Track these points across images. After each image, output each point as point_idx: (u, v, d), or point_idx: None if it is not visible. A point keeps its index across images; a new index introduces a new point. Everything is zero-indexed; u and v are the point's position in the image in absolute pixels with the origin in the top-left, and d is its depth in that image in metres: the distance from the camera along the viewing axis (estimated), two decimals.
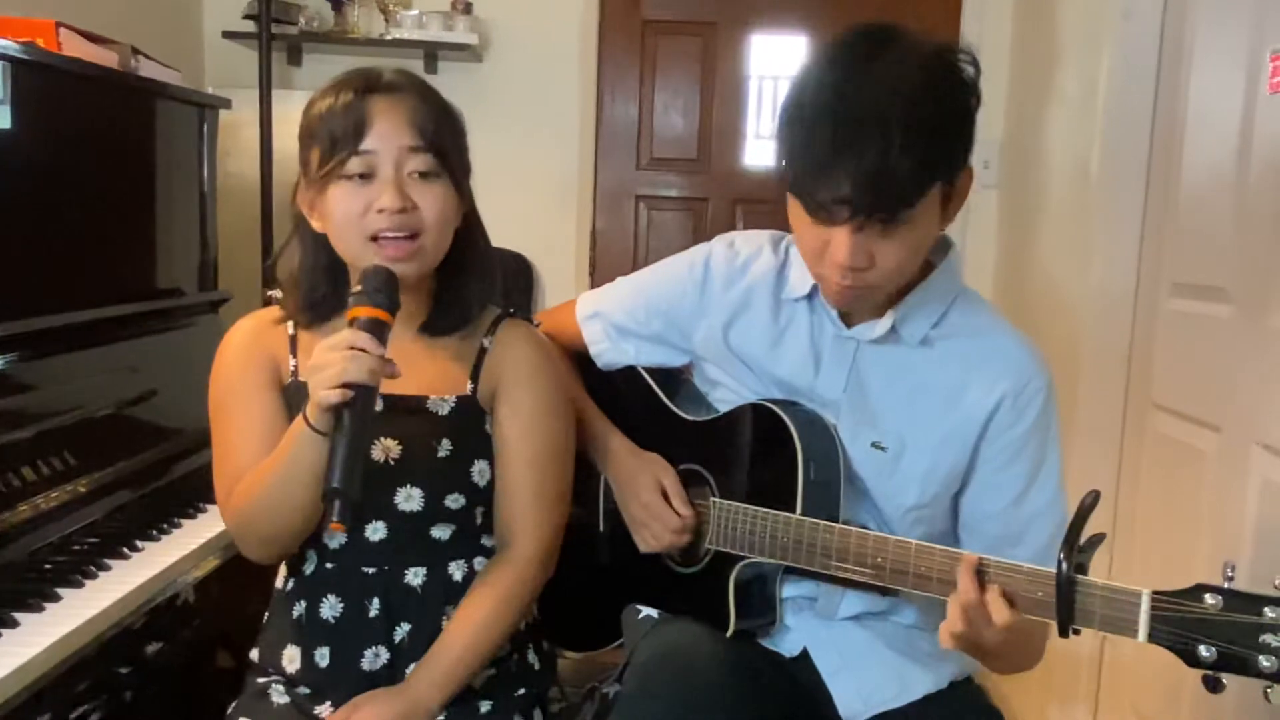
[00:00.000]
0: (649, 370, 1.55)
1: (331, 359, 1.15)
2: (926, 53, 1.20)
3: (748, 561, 1.36)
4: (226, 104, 2.32)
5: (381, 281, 1.21)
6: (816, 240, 1.23)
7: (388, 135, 1.26)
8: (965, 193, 1.26)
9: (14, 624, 1.31)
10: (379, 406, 1.23)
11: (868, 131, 1.13)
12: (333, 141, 1.26)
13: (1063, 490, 1.35)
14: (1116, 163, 2.33)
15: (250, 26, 3.02)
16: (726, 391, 1.45)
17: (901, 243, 1.21)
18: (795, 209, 1.25)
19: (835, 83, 1.18)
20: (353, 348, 1.15)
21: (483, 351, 1.38)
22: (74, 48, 1.85)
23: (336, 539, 1.34)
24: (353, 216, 1.26)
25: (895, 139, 1.13)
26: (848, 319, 1.37)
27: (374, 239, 1.27)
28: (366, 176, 1.26)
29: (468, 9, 3.20)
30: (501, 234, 3.05)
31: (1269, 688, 1.01)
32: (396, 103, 1.28)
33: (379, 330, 1.18)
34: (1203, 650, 1.03)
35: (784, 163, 1.22)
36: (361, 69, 1.32)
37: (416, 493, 1.33)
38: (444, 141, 1.30)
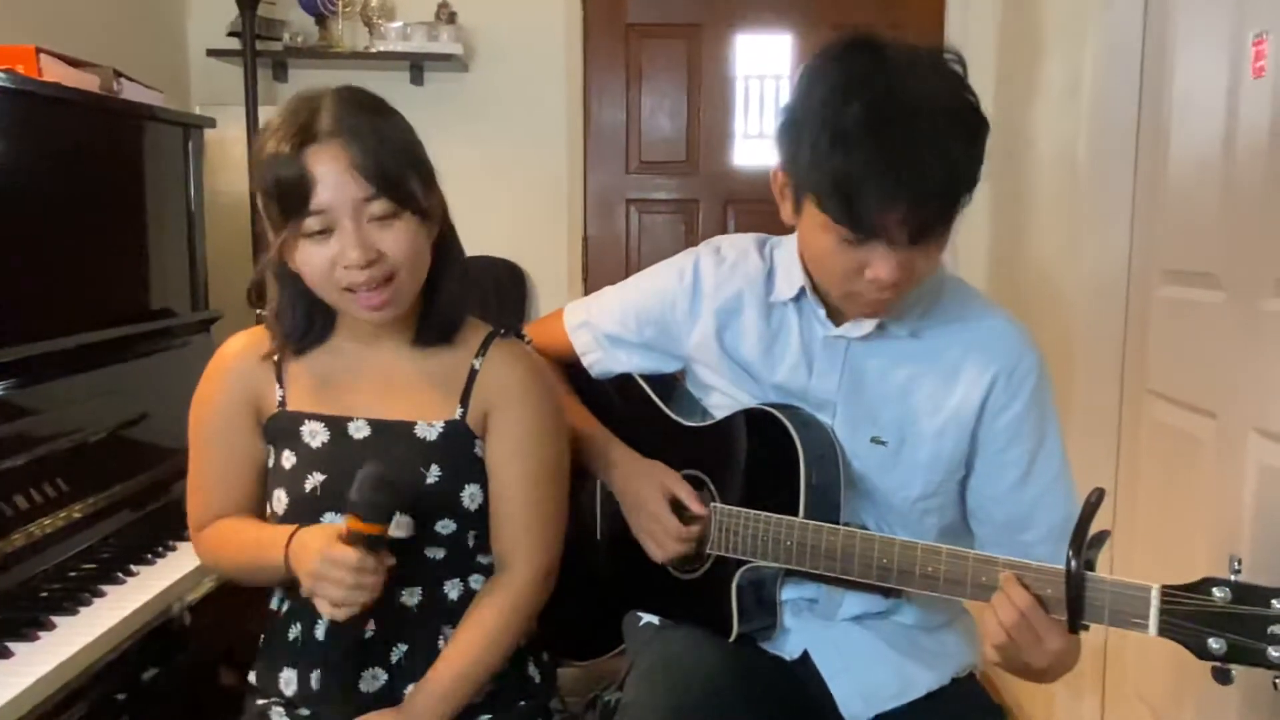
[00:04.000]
0: (644, 377, 1.54)
1: (334, 577, 1.20)
2: (928, 58, 1.21)
3: (750, 566, 1.36)
4: (211, 123, 2.32)
5: (378, 490, 1.20)
6: (851, 262, 1.23)
7: (336, 188, 1.21)
8: None
9: (8, 654, 1.31)
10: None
11: (930, 152, 1.14)
12: (283, 201, 1.22)
13: (1067, 466, 1.36)
14: (1103, 151, 2.32)
15: (235, 44, 3.02)
16: (721, 396, 1.45)
17: (938, 249, 1.23)
18: (826, 235, 1.23)
19: (870, 105, 1.15)
20: (358, 572, 1.20)
21: (473, 373, 1.36)
22: (55, 73, 1.85)
23: None
24: (323, 272, 1.24)
25: (954, 153, 1.15)
26: (836, 318, 1.37)
27: (347, 289, 1.25)
28: (326, 231, 1.23)
29: (452, 19, 3.20)
30: (493, 243, 3.11)
31: (1278, 678, 1.02)
32: (336, 152, 1.21)
33: (378, 547, 1.21)
34: (1212, 643, 1.04)
35: (825, 193, 1.19)
36: (297, 107, 1.25)
37: (405, 520, 1.30)
38: (395, 177, 1.23)
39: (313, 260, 1.24)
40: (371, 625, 1.33)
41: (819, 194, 1.20)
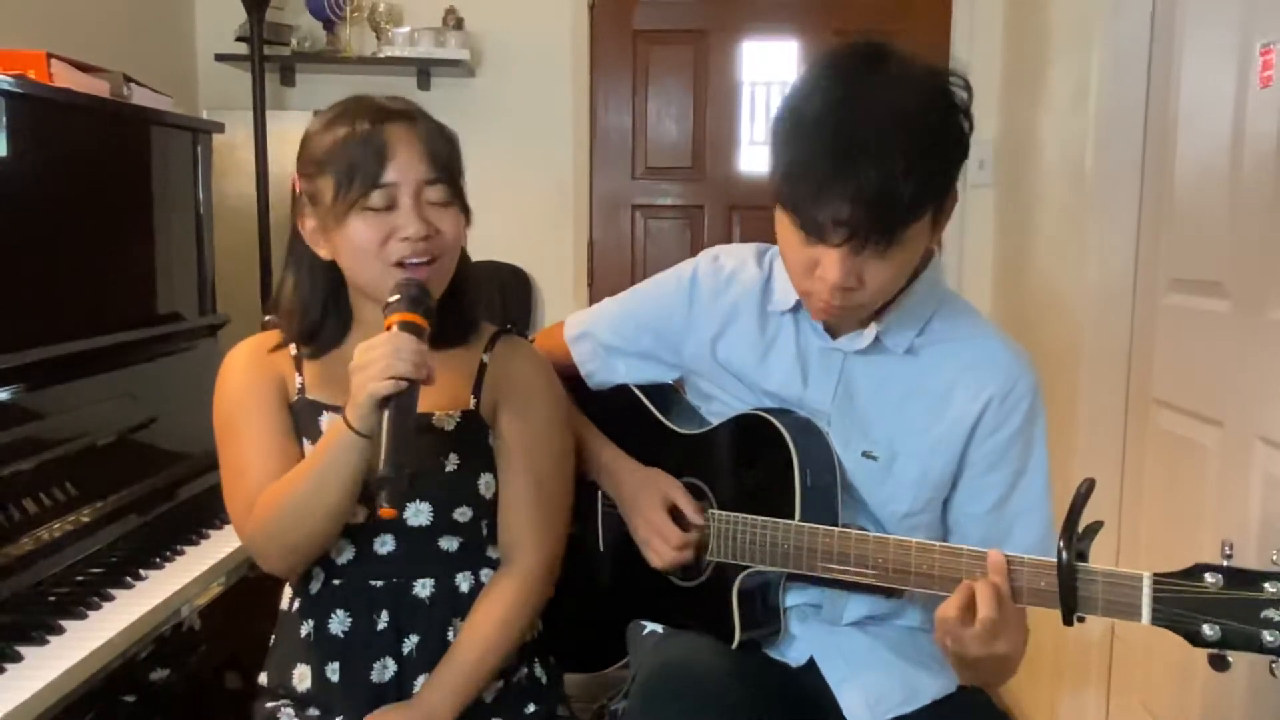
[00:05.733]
0: (641, 387, 1.55)
1: (375, 356, 1.18)
2: (922, 74, 1.21)
3: (750, 571, 1.36)
4: (220, 128, 2.33)
5: (417, 291, 1.25)
6: (805, 258, 1.24)
7: (407, 167, 1.29)
8: (951, 211, 1.28)
9: (17, 658, 1.32)
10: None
11: (870, 155, 1.14)
12: (351, 173, 1.28)
13: (1049, 493, 1.36)
14: (1110, 159, 2.32)
15: (243, 49, 3.03)
16: (719, 404, 1.46)
17: (892, 263, 1.22)
18: (785, 225, 1.25)
19: (833, 101, 1.17)
20: (393, 344, 1.18)
21: (483, 367, 1.41)
22: (65, 78, 1.86)
23: (345, 554, 1.36)
24: (375, 246, 1.28)
25: (898, 164, 1.14)
26: (833, 330, 1.38)
27: (397, 265, 1.29)
28: (385, 208, 1.28)
29: (459, 24, 3.21)
30: (499, 248, 3.11)
31: (1274, 663, 1.02)
32: (412, 134, 1.31)
33: (418, 333, 1.22)
34: (1206, 629, 1.04)
35: (778, 179, 1.22)
36: (361, 98, 1.34)
37: (425, 507, 1.35)
38: (454, 169, 1.34)
39: (365, 234, 1.29)
40: (385, 617, 1.35)
41: (774, 178, 1.23)
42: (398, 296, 1.23)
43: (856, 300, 1.25)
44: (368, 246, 1.28)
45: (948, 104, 1.21)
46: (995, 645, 1.15)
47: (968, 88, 1.22)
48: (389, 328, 1.22)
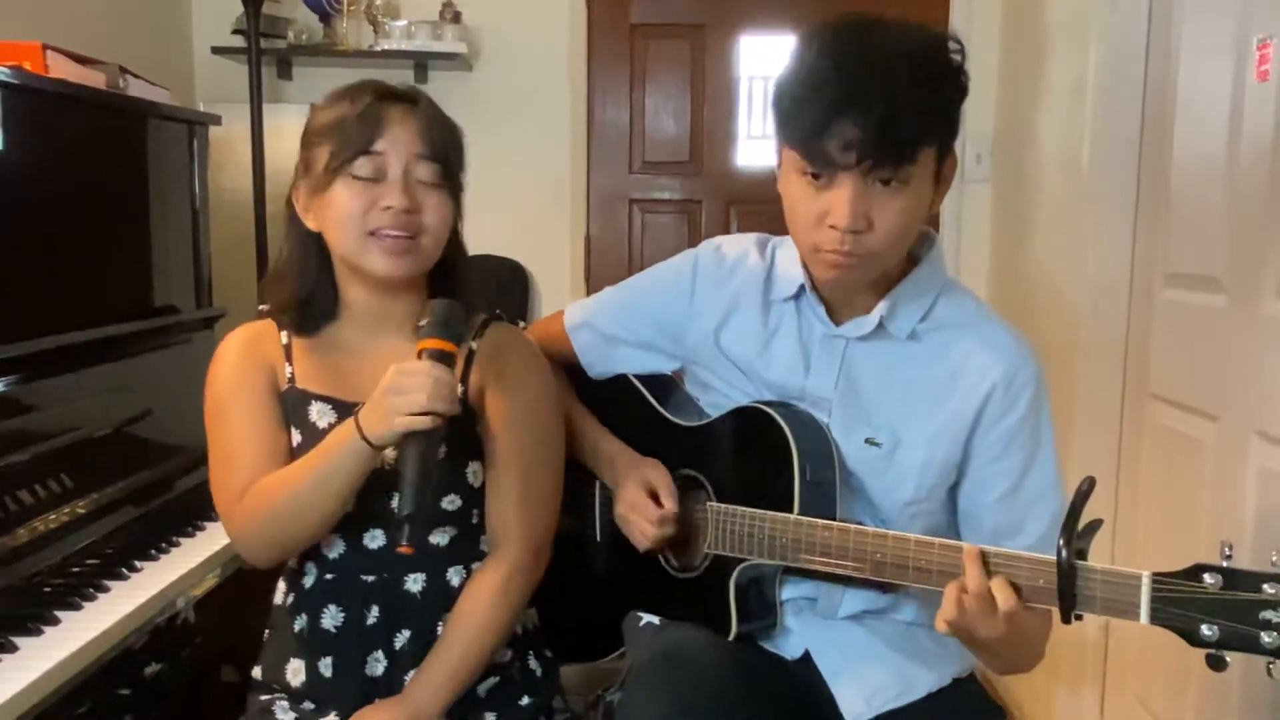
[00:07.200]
0: (640, 378, 1.55)
1: (411, 384, 1.20)
2: (917, 27, 1.25)
3: (747, 564, 1.36)
4: (216, 120, 2.32)
5: (450, 314, 1.26)
6: (815, 207, 1.24)
7: (400, 141, 1.30)
8: (951, 178, 1.30)
9: (13, 649, 1.31)
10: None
11: (876, 81, 1.17)
12: (345, 141, 1.29)
13: (1059, 478, 1.36)
14: (1107, 154, 2.33)
15: (239, 41, 3.02)
16: (718, 395, 1.45)
17: (899, 205, 1.23)
18: (793, 178, 1.27)
19: (837, 47, 1.21)
20: (433, 376, 1.20)
21: (471, 354, 1.40)
22: (61, 69, 1.86)
23: (336, 549, 1.37)
24: (356, 212, 1.29)
25: (902, 87, 1.17)
26: (835, 316, 1.37)
27: (373, 234, 1.29)
28: (374, 179, 1.29)
29: (456, 18, 3.20)
30: (496, 241, 3.12)
31: (1271, 664, 1.02)
32: (411, 113, 1.32)
33: (450, 362, 1.23)
34: (1205, 629, 1.04)
35: (786, 122, 1.24)
36: (372, 80, 1.36)
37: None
38: (449, 156, 1.34)
39: (348, 201, 1.29)
40: (376, 611, 1.36)
41: (778, 121, 1.25)
42: (430, 319, 1.25)
43: (866, 245, 1.25)
44: (349, 213, 1.29)
45: (945, 51, 1.24)
46: (988, 628, 1.15)
47: (962, 50, 1.25)
48: (421, 351, 1.23)
